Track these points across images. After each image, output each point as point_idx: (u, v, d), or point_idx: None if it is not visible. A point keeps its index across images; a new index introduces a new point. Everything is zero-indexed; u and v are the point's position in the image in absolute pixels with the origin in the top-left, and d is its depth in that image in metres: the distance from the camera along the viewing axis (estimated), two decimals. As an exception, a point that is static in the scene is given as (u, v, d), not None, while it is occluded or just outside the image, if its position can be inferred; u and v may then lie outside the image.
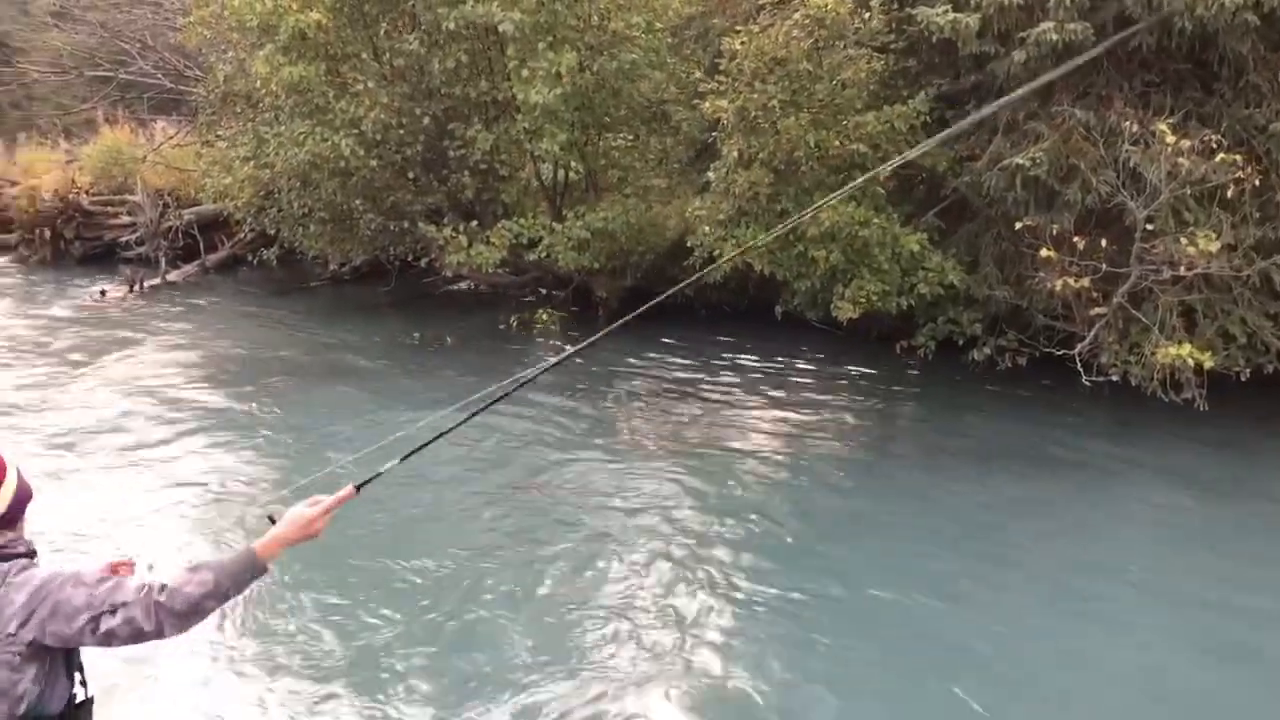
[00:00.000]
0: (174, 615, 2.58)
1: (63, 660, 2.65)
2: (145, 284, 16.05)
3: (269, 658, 5.46)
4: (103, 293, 15.62)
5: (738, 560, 6.75)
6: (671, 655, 5.56)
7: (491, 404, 3.89)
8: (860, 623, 5.99)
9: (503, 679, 5.28)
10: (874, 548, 7.02)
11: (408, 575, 6.48)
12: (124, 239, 18.42)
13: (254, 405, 10.10)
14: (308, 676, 5.30)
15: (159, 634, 2.59)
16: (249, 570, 2.69)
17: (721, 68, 11.03)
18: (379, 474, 3.03)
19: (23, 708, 2.53)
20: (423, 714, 5.00)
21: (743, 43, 10.57)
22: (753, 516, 7.51)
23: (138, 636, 2.57)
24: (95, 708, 2.80)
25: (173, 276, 16.89)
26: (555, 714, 4.98)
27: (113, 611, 2.54)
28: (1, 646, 2.52)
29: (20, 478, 2.73)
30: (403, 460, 3.17)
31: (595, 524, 7.31)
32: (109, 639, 2.56)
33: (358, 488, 2.94)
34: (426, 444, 3.33)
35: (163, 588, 2.59)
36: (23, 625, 2.53)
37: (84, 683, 2.75)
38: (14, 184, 19.89)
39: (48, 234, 18.64)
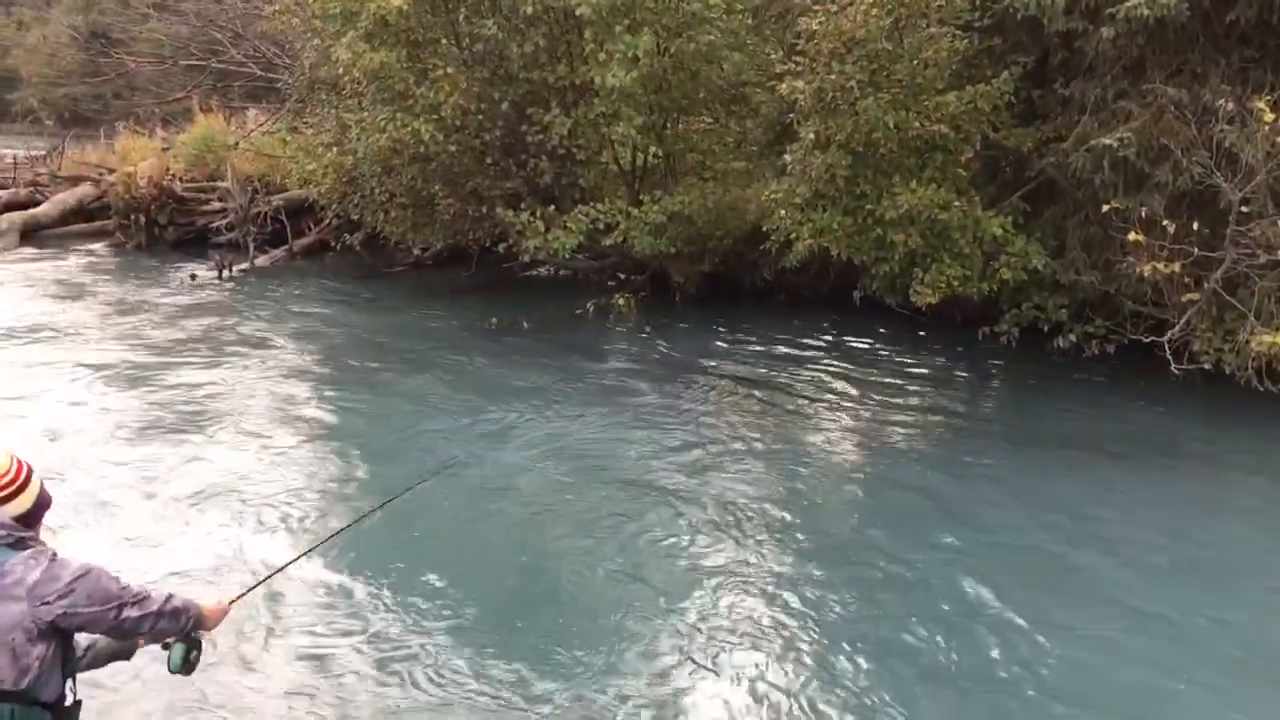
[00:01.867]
0: (167, 619, 3.20)
1: (60, 654, 3.02)
2: (234, 269, 16.39)
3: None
4: (193, 277, 15.99)
5: (816, 550, 6.64)
6: (739, 641, 5.50)
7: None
8: (942, 617, 5.81)
9: (567, 659, 5.28)
10: (958, 538, 6.82)
11: (484, 558, 6.53)
12: (215, 224, 18.83)
13: (336, 390, 10.24)
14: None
15: (150, 634, 3.22)
16: (199, 621, 3.35)
17: (799, 48, 10.85)
18: (250, 590, 3.89)
19: (26, 681, 2.89)
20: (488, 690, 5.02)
21: (820, 22, 10.36)
22: (832, 506, 7.45)
23: (135, 629, 3.14)
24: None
25: (261, 261, 17.23)
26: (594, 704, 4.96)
27: (134, 604, 3.09)
28: (34, 611, 2.90)
29: (43, 486, 3.19)
30: (278, 571, 4.12)
31: (672, 509, 7.22)
32: (119, 626, 3.08)
33: (230, 603, 3.59)
34: (294, 560, 4.37)
35: (170, 596, 3.24)
36: (60, 598, 2.93)
37: (74, 689, 3.11)
38: (112, 171, 20.47)
39: (143, 220, 19.10)
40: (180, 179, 19.64)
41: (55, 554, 3.05)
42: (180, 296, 14.75)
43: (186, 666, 3.36)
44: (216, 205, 19.15)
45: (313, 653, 5.33)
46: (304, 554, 4.89)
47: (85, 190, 20.76)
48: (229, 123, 21.85)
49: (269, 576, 4.35)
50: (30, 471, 3.15)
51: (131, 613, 3.07)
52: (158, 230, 19.19)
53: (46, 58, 41.55)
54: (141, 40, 31.27)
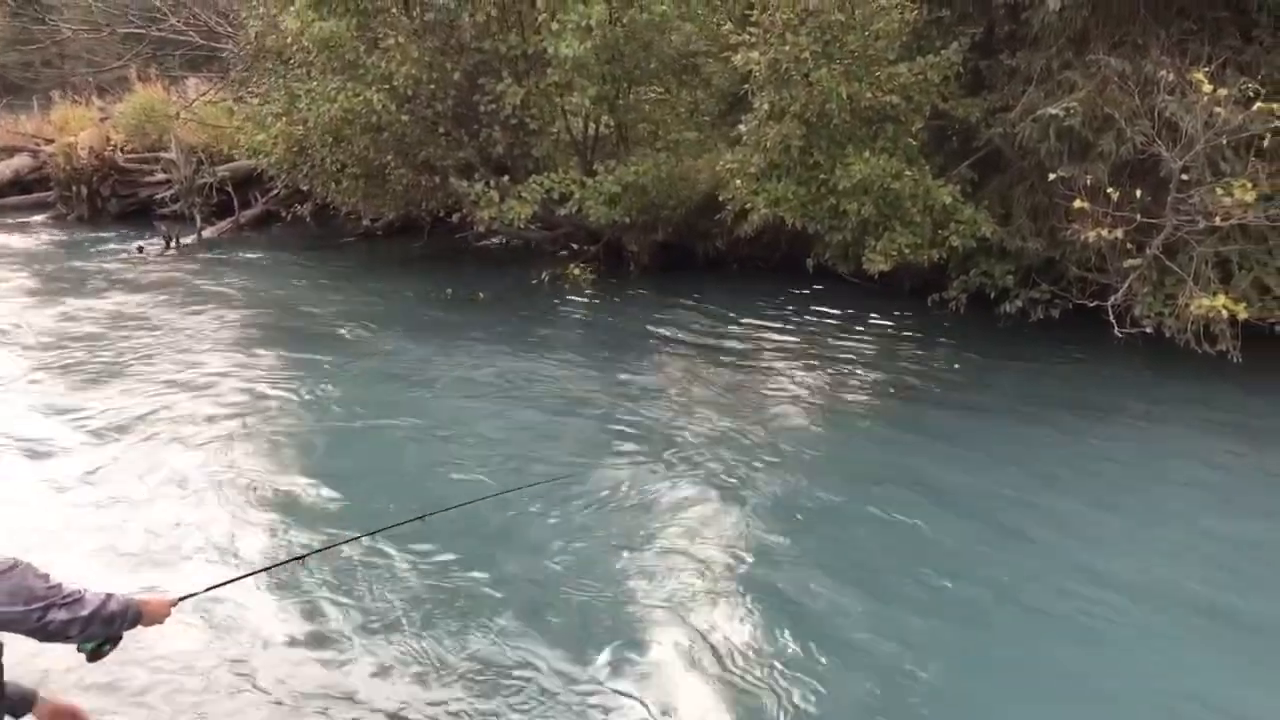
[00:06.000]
0: (100, 624, 3.01)
1: None
2: (181, 241, 16.23)
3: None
4: (140, 249, 15.81)
5: (766, 517, 6.79)
6: (694, 606, 5.67)
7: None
8: (884, 578, 6.02)
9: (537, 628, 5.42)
10: (904, 502, 7.00)
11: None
12: (159, 196, 18.61)
13: (290, 363, 10.20)
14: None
15: (79, 637, 3.00)
16: (136, 619, 3.15)
17: (753, 19, 10.96)
18: (194, 594, 3.60)
19: None
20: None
21: (775, -6, 10.48)
22: (783, 471, 7.54)
23: (62, 632, 2.94)
24: None
25: (208, 233, 17.06)
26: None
27: (64, 605, 2.89)
28: None
29: None
30: (215, 587, 3.88)
31: (624, 479, 7.34)
32: (43, 629, 2.89)
33: (175, 601, 3.41)
34: (236, 579, 4.24)
35: (108, 598, 3.04)
36: None
37: (1, 683, 2.99)
38: (50, 142, 20.08)
39: (85, 191, 18.83)
40: (122, 149, 19.33)
41: None
42: (130, 270, 14.58)
43: (95, 655, 3.16)
44: (160, 176, 18.89)
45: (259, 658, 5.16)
46: (277, 565, 4.97)
47: (22, 161, 20.38)
48: (168, 92, 21.48)
49: (226, 583, 4.09)
50: None
51: (59, 615, 2.88)
52: (100, 202, 18.93)
53: (-29, 24, 40.27)
54: (72, 6, 30.47)
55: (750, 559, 6.19)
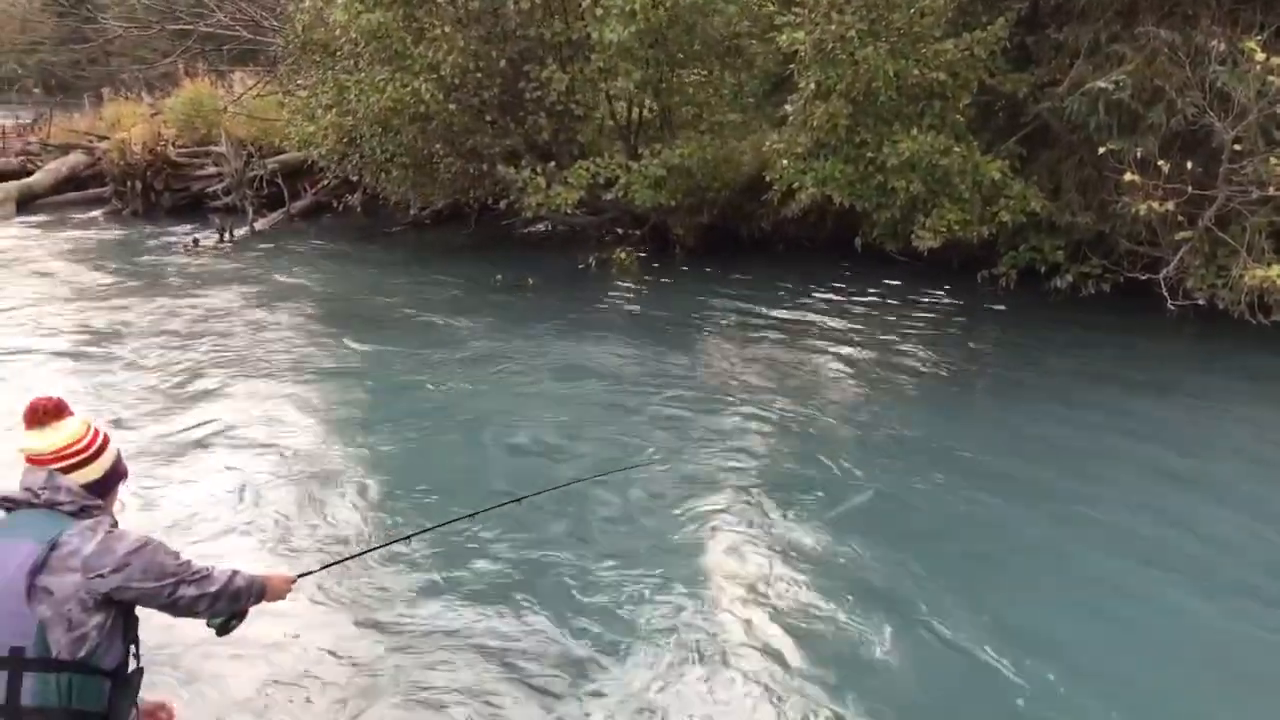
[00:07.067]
0: (227, 600, 3.13)
1: (122, 624, 2.97)
2: (235, 232, 16.51)
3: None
4: (195, 241, 16.07)
5: (819, 495, 6.83)
6: (750, 588, 5.73)
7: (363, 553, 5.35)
8: (940, 554, 6.06)
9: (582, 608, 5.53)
10: (958, 479, 7.03)
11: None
12: (210, 189, 18.88)
13: (363, 353, 10.24)
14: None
15: (207, 612, 3.14)
16: (260, 595, 3.28)
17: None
18: (311, 572, 3.83)
19: (84, 649, 2.82)
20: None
21: (819, -27, 10.51)
22: (835, 450, 7.59)
23: (191, 608, 3.06)
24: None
25: (260, 225, 17.31)
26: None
27: (193, 582, 3.02)
28: (88, 583, 2.83)
29: (120, 458, 3.13)
30: (330, 565, 4.38)
31: (675, 460, 7.37)
32: (174, 604, 3.01)
33: (295, 579, 3.52)
34: (346, 559, 4.69)
35: (233, 575, 3.16)
36: (115, 571, 2.87)
37: (137, 655, 3.06)
38: (103, 138, 20.46)
39: (138, 186, 19.16)
40: (173, 144, 19.65)
41: (115, 525, 3.00)
42: (188, 262, 14.88)
43: (224, 630, 3.28)
44: (211, 170, 19.18)
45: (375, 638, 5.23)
46: (387, 544, 5.27)
47: (77, 158, 20.71)
48: (215, 86, 21.80)
49: (343, 560, 4.44)
50: (106, 441, 3.08)
51: (188, 591, 2.99)
52: (154, 196, 19.24)
53: (19, 24, 41.03)
54: (119, 3, 30.97)
55: (815, 535, 6.23)
